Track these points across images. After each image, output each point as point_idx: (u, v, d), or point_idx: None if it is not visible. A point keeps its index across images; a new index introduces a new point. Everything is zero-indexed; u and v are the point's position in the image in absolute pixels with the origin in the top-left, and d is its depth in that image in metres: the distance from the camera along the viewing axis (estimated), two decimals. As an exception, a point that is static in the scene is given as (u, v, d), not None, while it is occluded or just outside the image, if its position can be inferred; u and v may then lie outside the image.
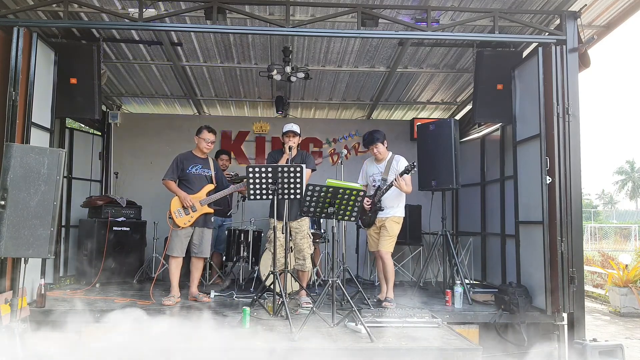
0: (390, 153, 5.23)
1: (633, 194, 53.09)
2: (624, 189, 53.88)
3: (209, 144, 5.21)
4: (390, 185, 4.97)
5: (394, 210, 5.09)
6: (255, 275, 6.17)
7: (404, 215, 5.17)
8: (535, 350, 4.74)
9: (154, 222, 6.78)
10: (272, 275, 4.49)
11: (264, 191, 4.48)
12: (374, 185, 5.19)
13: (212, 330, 3.91)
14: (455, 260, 5.74)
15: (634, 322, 7.83)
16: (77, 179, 6.97)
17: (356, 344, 3.68)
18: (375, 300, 5.17)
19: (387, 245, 5.05)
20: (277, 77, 6.14)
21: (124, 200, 6.61)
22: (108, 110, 7.90)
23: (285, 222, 4.71)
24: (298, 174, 4.42)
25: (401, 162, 5.10)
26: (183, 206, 5.02)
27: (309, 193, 4.18)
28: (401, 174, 4.93)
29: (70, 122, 6.90)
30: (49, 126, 5.11)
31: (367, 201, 5.06)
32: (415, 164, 4.95)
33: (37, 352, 3.70)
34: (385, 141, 5.20)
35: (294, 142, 5.00)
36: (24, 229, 3.57)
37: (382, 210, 5.06)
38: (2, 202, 3.52)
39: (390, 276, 5.07)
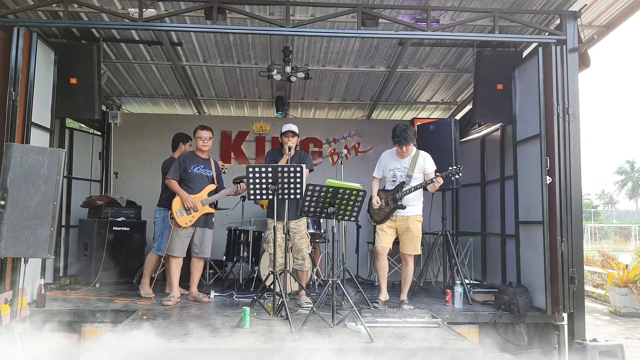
0: (415, 148, 5.04)
1: (633, 193, 53.08)
2: (624, 189, 53.86)
3: (205, 141, 5.21)
4: (428, 183, 4.76)
5: (416, 209, 4.96)
6: (255, 275, 6.17)
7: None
8: (535, 350, 4.74)
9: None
10: (272, 275, 4.49)
11: (264, 191, 4.48)
12: (393, 181, 5.01)
13: (212, 331, 3.91)
14: (455, 260, 5.74)
15: (634, 322, 7.83)
16: (77, 179, 6.97)
17: (356, 344, 3.67)
18: (377, 302, 4.97)
19: (415, 248, 4.98)
20: (277, 77, 6.14)
21: (124, 200, 6.62)
22: (108, 110, 7.90)
23: (286, 222, 4.70)
24: (298, 174, 4.42)
25: (428, 160, 4.96)
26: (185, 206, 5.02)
27: (309, 193, 4.18)
28: (443, 175, 4.73)
29: (70, 122, 6.90)
30: (49, 126, 5.11)
31: (377, 202, 4.98)
32: (461, 167, 4.80)
33: (36, 352, 3.70)
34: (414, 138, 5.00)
35: (293, 142, 4.99)
36: (24, 229, 3.57)
37: (404, 208, 4.87)
38: (2, 202, 3.52)
39: (410, 279, 5.08)
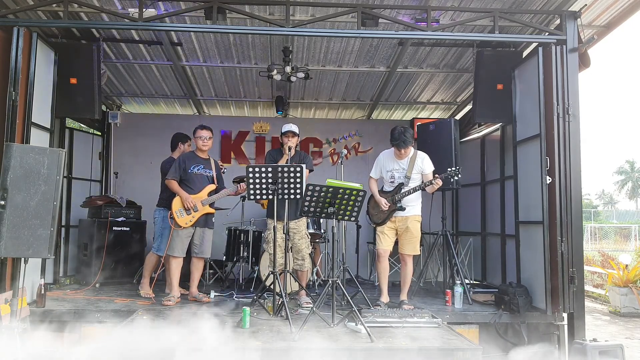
0: (413, 149, 5.00)
1: (633, 193, 53.07)
2: (624, 189, 53.86)
3: (205, 141, 5.21)
4: (427, 185, 4.76)
5: (415, 209, 4.95)
6: (255, 275, 6.17)
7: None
8: (535, 350, 4.74)
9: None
10: (272, 275, 4.49)
11: (264, 191, 4.48)
12: (391, 182, 5.00)
13: (212, 331, 3.91)
14: (455, 260, 5.74)
15: (634, 322, 7.83)
16: (77, 179, 6.97)
17: (356, 344, 3.68)
18: (379, 304, 4.94)
19: (414, 248, 4.97)
20: (277, 77, 6.15)
21: (123, 200, 6.62)
22: (108, 110, 7.90)
23: (286, 222, 4.70)
24: (298, 174, 4.42)
25: (426, 161, 4.94)
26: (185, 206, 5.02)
27: (309, 193, 4.18)
28: (442, 177, 4.73)
29: (70, 122, 6.90)
30: (49, 126, 5.11)
31: (386, 204, 4.90)
32: (460, 169, 4.80)
33: (36, 352, 3.70)
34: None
35: (293, 142, 4.98)
36: (24, 229, 3.57)
37: (404, 210, 4.86)
38: (2, 202, 3.52)
39: (409, 279, 5.08)
